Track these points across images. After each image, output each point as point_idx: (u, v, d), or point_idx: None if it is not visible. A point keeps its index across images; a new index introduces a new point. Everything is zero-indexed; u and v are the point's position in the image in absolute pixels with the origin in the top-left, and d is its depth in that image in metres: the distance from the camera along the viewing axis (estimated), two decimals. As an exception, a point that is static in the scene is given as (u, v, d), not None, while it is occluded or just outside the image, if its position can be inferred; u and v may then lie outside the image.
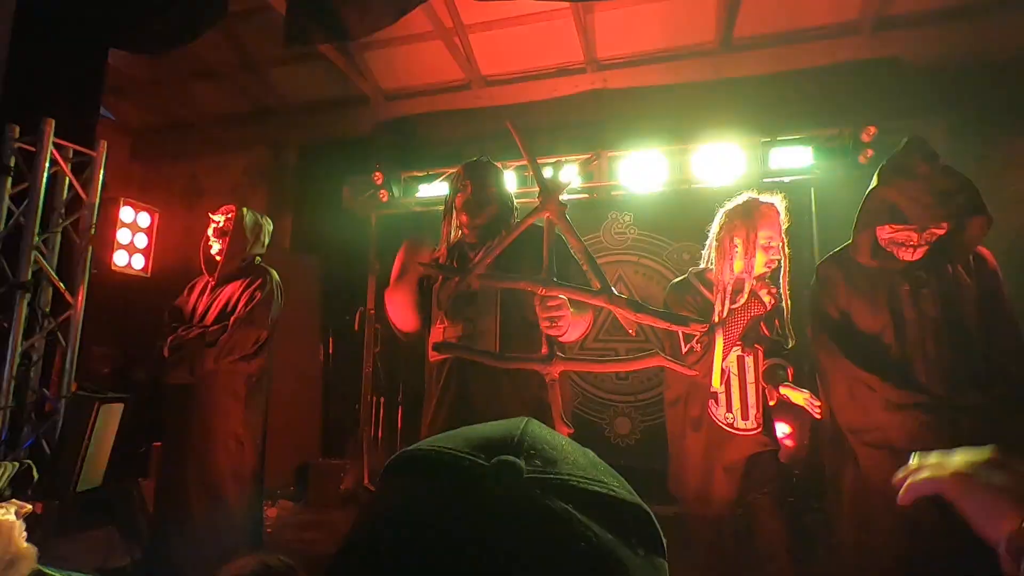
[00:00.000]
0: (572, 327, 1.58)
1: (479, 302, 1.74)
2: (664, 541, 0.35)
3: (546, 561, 0.29)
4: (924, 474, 0.61)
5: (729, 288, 1.88)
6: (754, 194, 1.99)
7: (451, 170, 4.21)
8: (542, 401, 1.62)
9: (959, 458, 0.58)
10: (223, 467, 2.48)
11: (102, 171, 2.83)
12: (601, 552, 0.30)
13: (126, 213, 2.93)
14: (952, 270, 1.71)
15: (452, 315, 1.76)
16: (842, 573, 1.87)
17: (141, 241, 3.00)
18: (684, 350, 1.98)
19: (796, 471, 1.92)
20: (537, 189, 1.50)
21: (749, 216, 1.89)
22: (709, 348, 1.83)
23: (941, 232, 1.65)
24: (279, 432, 3.33)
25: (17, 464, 1.40)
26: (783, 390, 1.91)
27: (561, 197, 1.48)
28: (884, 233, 1.70)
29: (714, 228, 2.03)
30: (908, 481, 0.63)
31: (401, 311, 1.77)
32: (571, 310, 1.51)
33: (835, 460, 1.82)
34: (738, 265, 1.91)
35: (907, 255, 1.68)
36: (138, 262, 3.00)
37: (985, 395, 1.61)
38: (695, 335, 1.86)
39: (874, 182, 1.72)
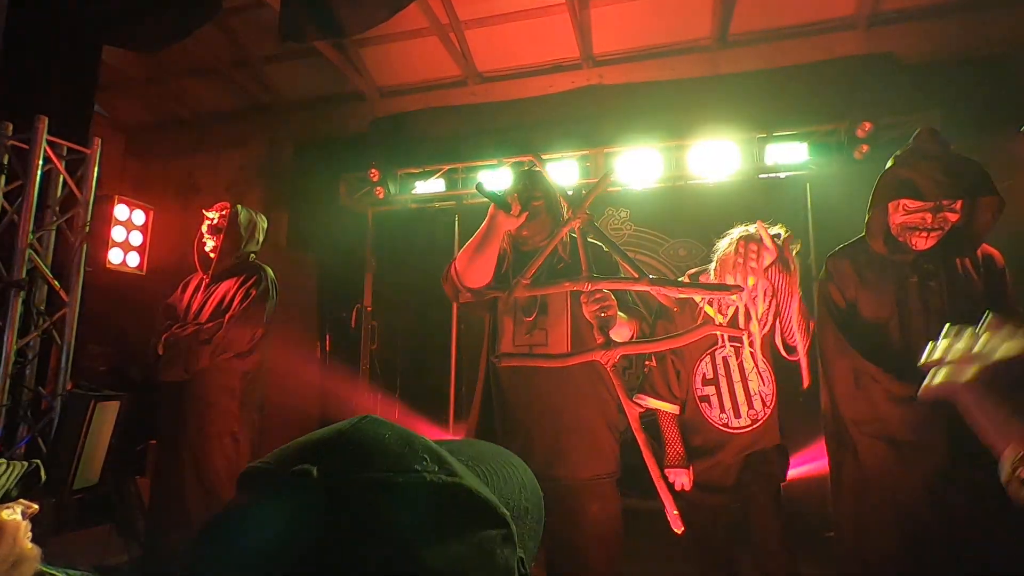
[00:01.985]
0: (620, 327, 1.68)
1: (551, 311, 1.82)
2: (497, 512, 0.36)
3: (324, 559, 0.29)
4: (939, 379, 0.63)
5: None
6: (766, 233, 1.85)
7: (447, 167, 4.23)
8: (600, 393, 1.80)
9: (975, 367, 0.59)
10: (219, 464, 2.48)
11: (96, 168, 2.82)
12: (386, 543, 0.30)
13: (120, 211, 2.92)
14: (961, 265, 1.71)
15: (524, 319, 1.83)
16: (841, 564, 1.88)
17: (136, 239, 2.98)
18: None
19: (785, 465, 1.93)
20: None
21: (734, 260, 1.86)
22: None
23: (954, 218, 1.65)
24: (276, 429, 3.33)
25: (26, 464, 1.40)
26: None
27: (588, 206, 1.59)
28: (898, 217, 1.70)
29: (715, 260, 1.99)
30: (925, 384, 0.64)
31: (480, 266, 1.79)
32: (621, 315, 1.62)
33: (836, 451, 1.83)
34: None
35: (920, 241, 1.67)
36: (133, 260, 2.99)
37: None
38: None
39: (889, 163, 1.76)
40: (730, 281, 1.85)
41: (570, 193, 1.69)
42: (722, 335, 1.94)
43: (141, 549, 2.83)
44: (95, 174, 2.81)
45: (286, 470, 0.33)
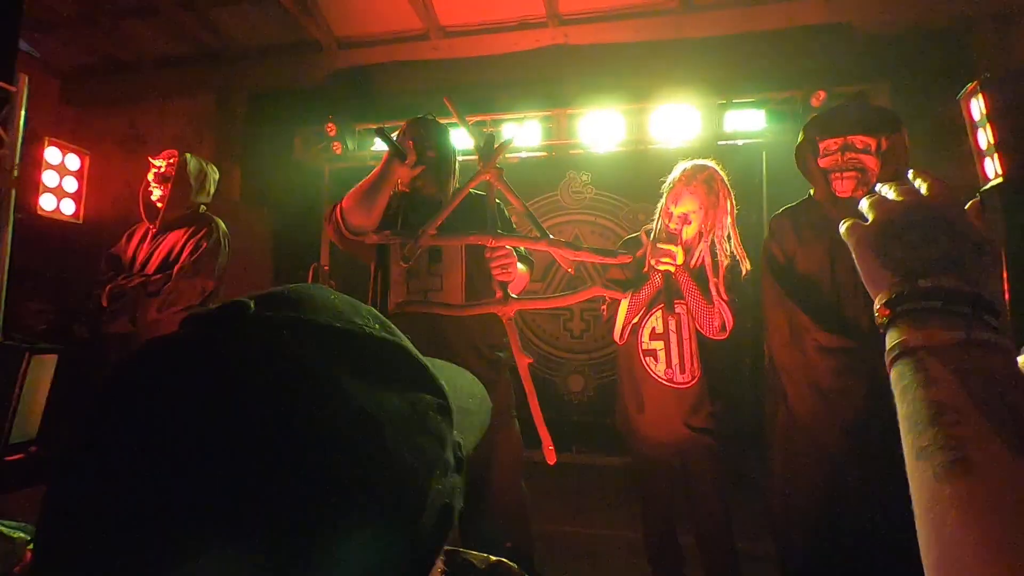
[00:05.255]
0: (518, 280, 1.80)
1: (445, 258, 1.87)
2: (435, 380, 0.36)
3: (251, 385, 0.29)
4: (846, 224, 0.57)
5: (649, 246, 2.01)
6: (696, 162, 2.02)
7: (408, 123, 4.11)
8: (495, 347, 1.89)
9: (873, 211, 0.54)
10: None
11: (23, 108, 2.63)
12: (315, 377, 0.30)
13: (52, 154, 2.73)
14: None
15: (419, 270, 1.86)
16: (772, 509, 2.00)
17: (70, 185, 2.80)
18: (604, 316, 2.13)
19: (721, 407, 2.03)
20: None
21: (668, 186, 2.02)
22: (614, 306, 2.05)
23: (871, 162, 1.75)
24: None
25: None
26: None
27: (498, 160, 1.68)
28: (822, 163, 1.81)
29: (663, 195, 2.09)
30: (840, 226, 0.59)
31: (368, 210, 1.80)
32: (519, 265, 1.71)
33: (771, 400, 1.94)
34: (662, 221, 2.03)
35: (839, 184, 1.79)
36: (68, 207, 2.82)
37: None
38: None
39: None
40: (686, 206, 1.94)
41: (481, 144, 1.73)
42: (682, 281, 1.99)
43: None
44: (22, 114, 2.62)
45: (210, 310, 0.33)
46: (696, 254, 1.97)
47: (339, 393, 0.30)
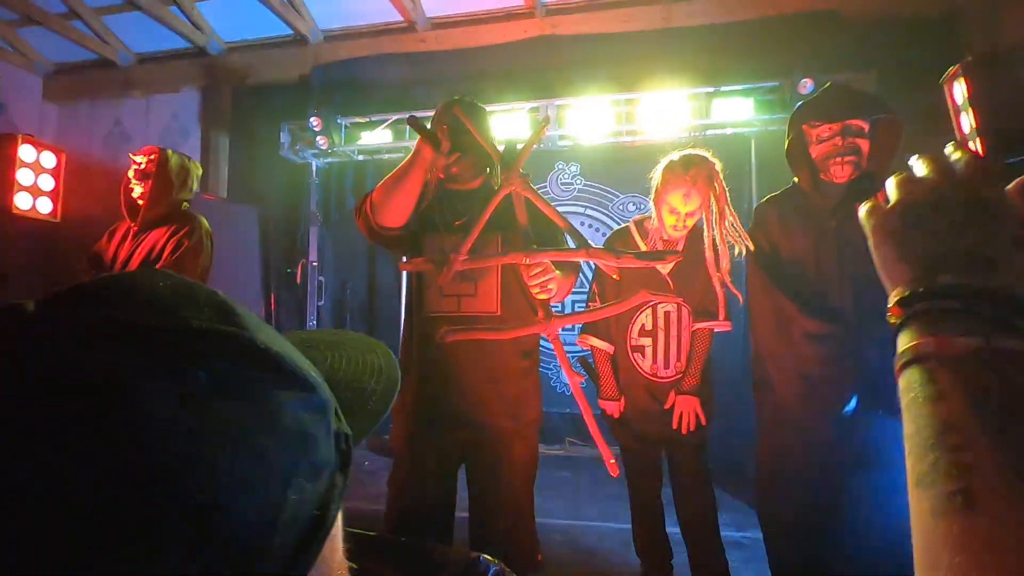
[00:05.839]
0: (560, 288, 1.68)
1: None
2: (296, 372, 0.31)
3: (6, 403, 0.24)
4: (864, 210, 0.49)
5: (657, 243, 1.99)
6: (691, 151, 1.98)
7: (395, 116, 4.09)
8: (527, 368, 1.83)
9: (897, 196, 0.46)
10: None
11: (-1, 104, 2.60)
12: (96, 387, 0.25)
13: (26, 152, 2.69)
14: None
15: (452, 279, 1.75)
16: (759, 498, 2.00)
17: (46, 183, 2.75)
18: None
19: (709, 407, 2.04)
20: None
21: (664, 178, 1.94)
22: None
23: (865, 145, 1.72)
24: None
25: None
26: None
27: (521, 166, 1.54)
28: (815, 150, 1.78)
29: (653, 181, 2.06)
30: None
31: (399, 204, 1.68)
32: (557, 273, 1.59)
33: (759, 390, 1.93)
34: (667, 219, 1.97)
35: (838, 170, 1.74)
36: (44, 206, 2.78)
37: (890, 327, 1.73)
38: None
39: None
40: (694, 203, 1.90)
41: (501, 149, 1.59)
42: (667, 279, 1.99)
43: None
44: (-2, 111, 2.58)
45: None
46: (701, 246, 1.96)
47: (130, 404, 0.25)
